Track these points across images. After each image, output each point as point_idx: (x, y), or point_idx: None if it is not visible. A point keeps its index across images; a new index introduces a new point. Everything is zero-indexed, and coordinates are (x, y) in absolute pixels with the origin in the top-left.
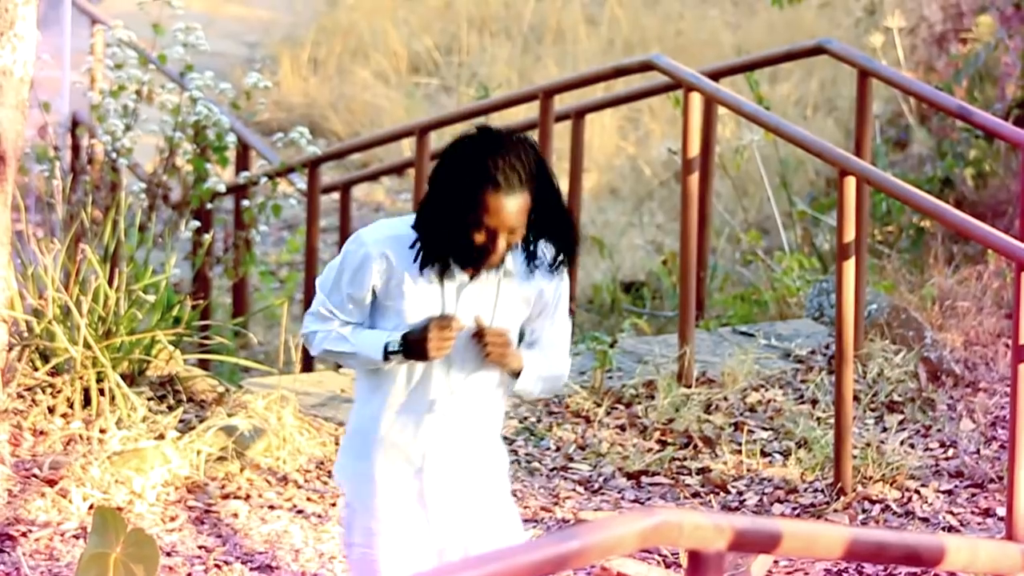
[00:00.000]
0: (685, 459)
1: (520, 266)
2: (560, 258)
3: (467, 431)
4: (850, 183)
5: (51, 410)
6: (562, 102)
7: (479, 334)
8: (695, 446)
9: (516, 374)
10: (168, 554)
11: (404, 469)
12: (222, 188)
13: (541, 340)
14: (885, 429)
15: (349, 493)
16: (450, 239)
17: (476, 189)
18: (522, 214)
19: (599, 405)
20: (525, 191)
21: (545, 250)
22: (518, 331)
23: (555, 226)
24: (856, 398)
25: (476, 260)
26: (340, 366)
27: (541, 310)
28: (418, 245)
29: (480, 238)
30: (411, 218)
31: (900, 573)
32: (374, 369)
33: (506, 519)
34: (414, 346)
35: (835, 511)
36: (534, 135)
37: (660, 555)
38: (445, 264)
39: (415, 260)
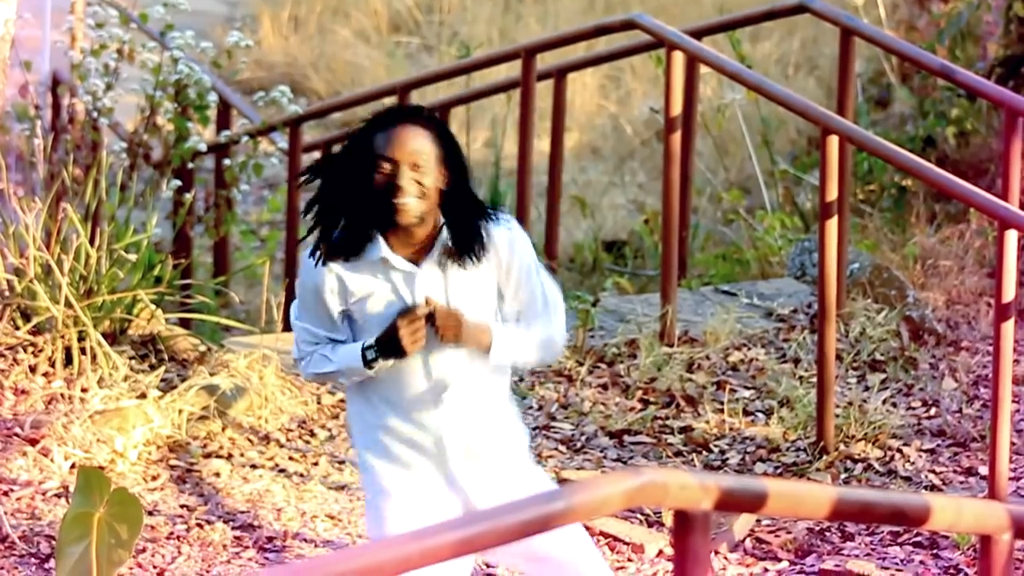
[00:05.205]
0: (667, 418)
1: (462, 243)
2: (485, 223)
3: (470, 411)
4: (833, 142)
5: (32, 369)
6: (543, 61)
7: (430, 317)
8: (677, 405)
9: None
10: (150, 513)
11: (422, 463)
12: (203, 147)
13: (521, 306)
14: (867, 388)
15: (366, 485)
16: (353, 198)
17: (369, 130)
18: (426, 153)
19: (581, 364)
20: (425, 129)
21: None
22: (490, 305)
23: (464, 206)
24: (838, 357)
25: (385, 210)
26: None
27: (511, 284)
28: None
29: (381, 177)
30: None
31: (881, 531)
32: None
33: (536, 484)
34: (389, 346)
35: (817, 470)
36: (516, 94)
37: (643, 515)
38: (360, 237)
39: (347, 259)
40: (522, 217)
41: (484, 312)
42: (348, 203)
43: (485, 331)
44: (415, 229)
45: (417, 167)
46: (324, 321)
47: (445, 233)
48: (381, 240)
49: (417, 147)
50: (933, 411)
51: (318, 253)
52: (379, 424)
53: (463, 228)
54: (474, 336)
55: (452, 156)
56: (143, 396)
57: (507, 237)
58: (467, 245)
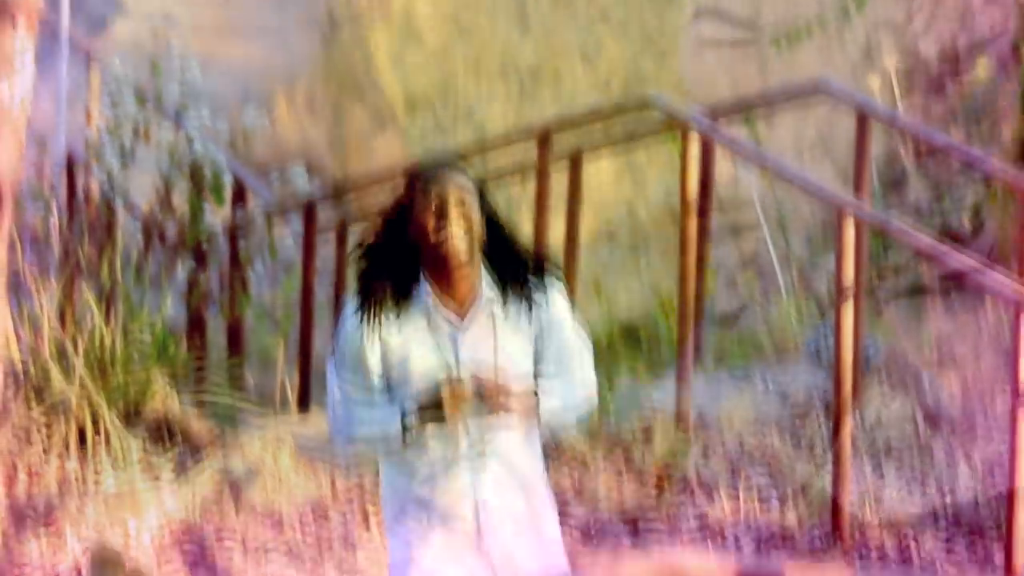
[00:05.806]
0: (682, 504)
1: (508, 298)
2: (532, 278)
3: (508, 476)
4: (849, 224)
5: (46, 450)
6: (559, 141)
7: (477, 389)
8: (692, 491)
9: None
10: None
11: (456, 526)
12: (218, 228)
13: (556, 362)
14: (883, 475)
15: (393, 550)
16: (403, 245)
17: (411, 182)
18: (469, 190)
19: (596, 449)
20: (465, 177)
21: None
22: (530, 359)
23: (506, 250)
24: (853, 443)
25: (434, 247)
26: None
27: (551, 338)
28: (387, 297)
29: (428, 215)
30: None
31: None
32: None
33: (555, 563)
34: (430, 414)
35: (833, 558)
36: (532, 174)
37: None
38: (407, 285)
39: (392, 314)
40: None
41: (527, 368)
42: (395, 249)
43: (530, 395)
44: (459, 276)
45: (462, 203)
46: (365, 377)
47: (487, 287)
48: (427, 286)
49: (460, 183)
50: (949, 499)
51: (363, 309)
52: (413, 495)
53: (510, 272)
54: (520, 403)
55: (486, 203)
56: (156, 478)
57: (553, 289)
58: (517, 290)
